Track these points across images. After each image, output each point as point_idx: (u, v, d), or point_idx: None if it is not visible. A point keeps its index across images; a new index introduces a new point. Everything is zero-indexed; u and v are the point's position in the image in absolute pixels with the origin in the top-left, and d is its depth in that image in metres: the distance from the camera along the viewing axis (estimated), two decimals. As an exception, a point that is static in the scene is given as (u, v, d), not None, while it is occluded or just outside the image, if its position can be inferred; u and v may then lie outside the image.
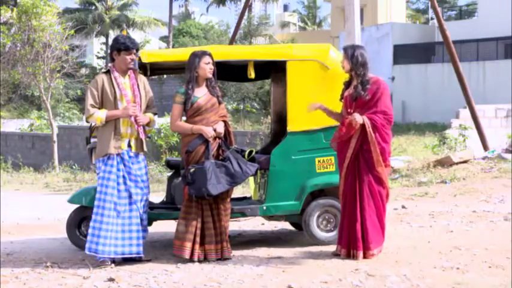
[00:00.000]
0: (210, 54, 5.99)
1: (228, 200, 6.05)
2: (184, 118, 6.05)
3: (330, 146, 6.19)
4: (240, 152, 6.05)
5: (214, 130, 5.90)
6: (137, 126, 5.95)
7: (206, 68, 5.93)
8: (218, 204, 5.95)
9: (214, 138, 5.93)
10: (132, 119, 5.92)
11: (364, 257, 5.81)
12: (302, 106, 6.51)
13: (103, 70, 6.10)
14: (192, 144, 5.90)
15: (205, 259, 5.90)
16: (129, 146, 5.98)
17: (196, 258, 5.86)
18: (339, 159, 6.01)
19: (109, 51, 6.14)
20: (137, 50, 6.02)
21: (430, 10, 43.24)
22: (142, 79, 6.14)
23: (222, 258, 5.94)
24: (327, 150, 6.46)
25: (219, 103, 6.03)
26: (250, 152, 6.42)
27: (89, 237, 5.90)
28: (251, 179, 6.76)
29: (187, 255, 5.85)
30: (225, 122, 6.05)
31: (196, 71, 5.92)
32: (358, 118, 5.73)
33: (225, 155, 5.93)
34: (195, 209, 5.89)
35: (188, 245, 5.85)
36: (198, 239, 5.87)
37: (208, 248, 5.91)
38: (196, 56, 5.95)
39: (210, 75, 5.98)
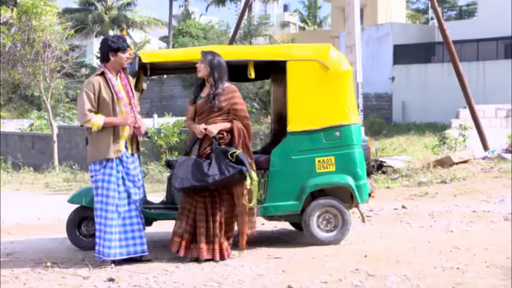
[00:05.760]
0: (200, 54, 6.09)
1: (229, 203, 5.94)
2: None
3: None
4: (224, 153, 5.91)
5: (205, 129, 5.91)
6: (138, 135, 6.01)
7: (197, 67, 6.07)
8: (214, 204, 5.92)
9: (205, 137, 5.93)
10: (132, 129, 5.94)
11: None
12: (302, 106, 6.51)
13: (96, 72, 5.99)
14: (189, 143, 6.07)
15: (198, 258, 5.86)
16: (125, 147, 5.98)
17: (182, 254, 5.86)
18: None
19: (100, 52, 5.94)
20: (128, 47, 6.03)
21: (430, 10, 43.22)
22: (130, 78, 6.15)
23: (213, 259, 5.85)
24: (327, 150, 6.46)
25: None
26: (233, 152, 5.99)
27: (96, 240, 5.92)
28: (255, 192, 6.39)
29: (174, 249, 5.89)
30: (233, 123, 5.98)
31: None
32: None
33: (210, 154, 5.91)
34: (188, 205, 5.92)
35: (177, 239, 5.89)
36: (187, 236, 5.88)
37: (201, 246, 5.85)
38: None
39: (199, 75, 6.07)
